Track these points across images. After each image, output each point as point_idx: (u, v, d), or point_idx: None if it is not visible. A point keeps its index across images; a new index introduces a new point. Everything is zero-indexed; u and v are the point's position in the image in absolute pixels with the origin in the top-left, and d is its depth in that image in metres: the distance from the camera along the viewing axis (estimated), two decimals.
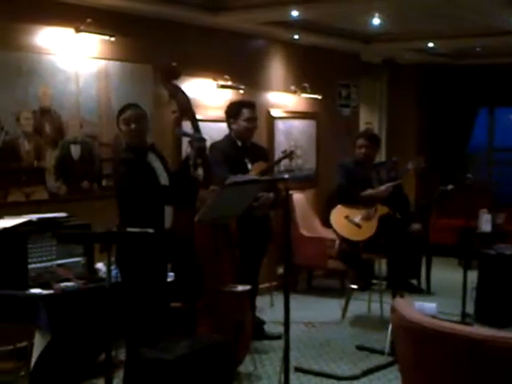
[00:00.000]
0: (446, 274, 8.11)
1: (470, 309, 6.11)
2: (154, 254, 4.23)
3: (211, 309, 4.60)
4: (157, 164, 4.40)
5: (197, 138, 4.62)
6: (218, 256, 4.74)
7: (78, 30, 5.60)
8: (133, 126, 4.30)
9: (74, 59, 5.63)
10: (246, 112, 5.48)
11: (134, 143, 4.36)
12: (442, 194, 6.99)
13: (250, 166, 5.41)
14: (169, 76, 4.82)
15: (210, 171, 4.68)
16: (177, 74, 4.86)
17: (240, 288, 4.76)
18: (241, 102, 5.76)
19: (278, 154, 7.51)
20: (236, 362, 4.75)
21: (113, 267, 3.61)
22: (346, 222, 6.04)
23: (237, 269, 4.88)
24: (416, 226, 6.37)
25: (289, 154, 6.97)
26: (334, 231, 6.16)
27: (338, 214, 6.11)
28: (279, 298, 5.30)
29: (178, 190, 4.40)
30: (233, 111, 5.54)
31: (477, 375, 2.63)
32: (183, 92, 4.81)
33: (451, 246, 8.25)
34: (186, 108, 4.77)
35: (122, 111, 4.39)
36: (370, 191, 6.10)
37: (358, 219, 6.01)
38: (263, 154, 5.70)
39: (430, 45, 8.37)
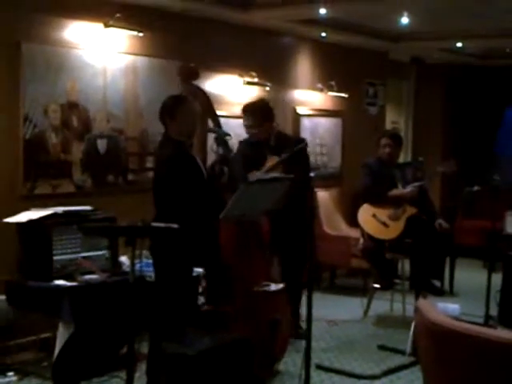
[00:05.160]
0: (470, 275, 8.05)
1: (494, 311, 6.06)
2: (187, 248, 4.24)
3: (245, 310, 4.55)
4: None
5: (221, 134, 4.62)
6: (247, 255, 4.68)
7: (106, 25, 5.63)
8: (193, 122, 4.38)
9: (103, 54, 5.66)
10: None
11: (185, 137, 4.39)
12: (467, 195, 6.93)
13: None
14: (188, 77, 4.76)
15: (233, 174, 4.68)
16: (196, 75, 4.79)
17: (273, 287, 4.72)
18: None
19: None
20: (273, 360, 4.75)
21: (136, 261, 3.63)
22: (374, 220, 6.00)
23: (269, 267, 4.83)
24: (442, 222, 6.30)
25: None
26: (361, 229, 6.14)
27: (366, 212, 6.07)
28: (302, 296, 5.28)
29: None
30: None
31: (499, 378, 2.61)
32: (203, 91, 4.77)
33: (476, 248, 8.19)
34: (206, 107, 4.74)
35: (182, 102, 4.43)
36: (397, 191, 6.06)
37: (385, 218, 5.98)
38: (289, 145, 5.63)
39: (459, 45, 8.30)
